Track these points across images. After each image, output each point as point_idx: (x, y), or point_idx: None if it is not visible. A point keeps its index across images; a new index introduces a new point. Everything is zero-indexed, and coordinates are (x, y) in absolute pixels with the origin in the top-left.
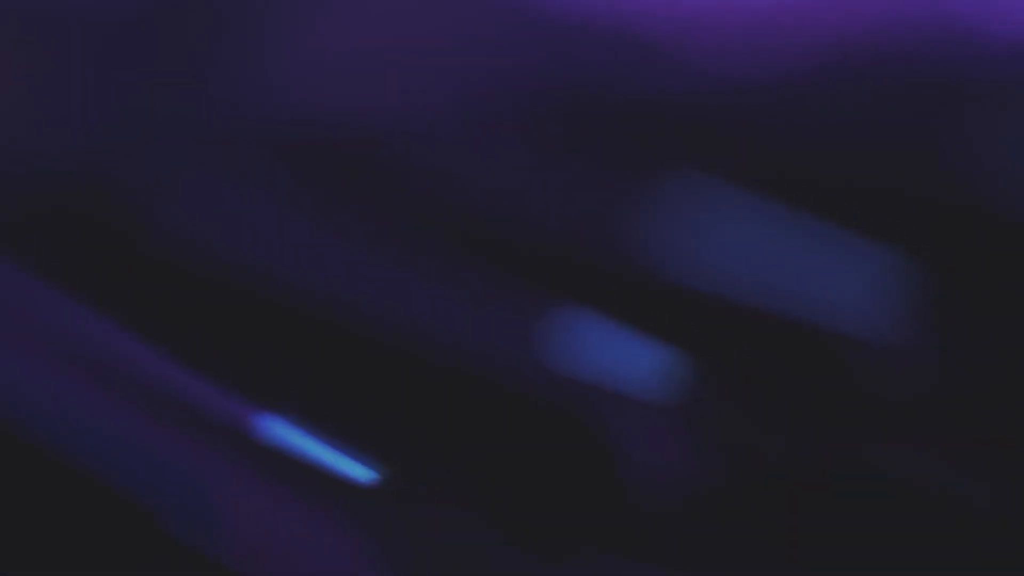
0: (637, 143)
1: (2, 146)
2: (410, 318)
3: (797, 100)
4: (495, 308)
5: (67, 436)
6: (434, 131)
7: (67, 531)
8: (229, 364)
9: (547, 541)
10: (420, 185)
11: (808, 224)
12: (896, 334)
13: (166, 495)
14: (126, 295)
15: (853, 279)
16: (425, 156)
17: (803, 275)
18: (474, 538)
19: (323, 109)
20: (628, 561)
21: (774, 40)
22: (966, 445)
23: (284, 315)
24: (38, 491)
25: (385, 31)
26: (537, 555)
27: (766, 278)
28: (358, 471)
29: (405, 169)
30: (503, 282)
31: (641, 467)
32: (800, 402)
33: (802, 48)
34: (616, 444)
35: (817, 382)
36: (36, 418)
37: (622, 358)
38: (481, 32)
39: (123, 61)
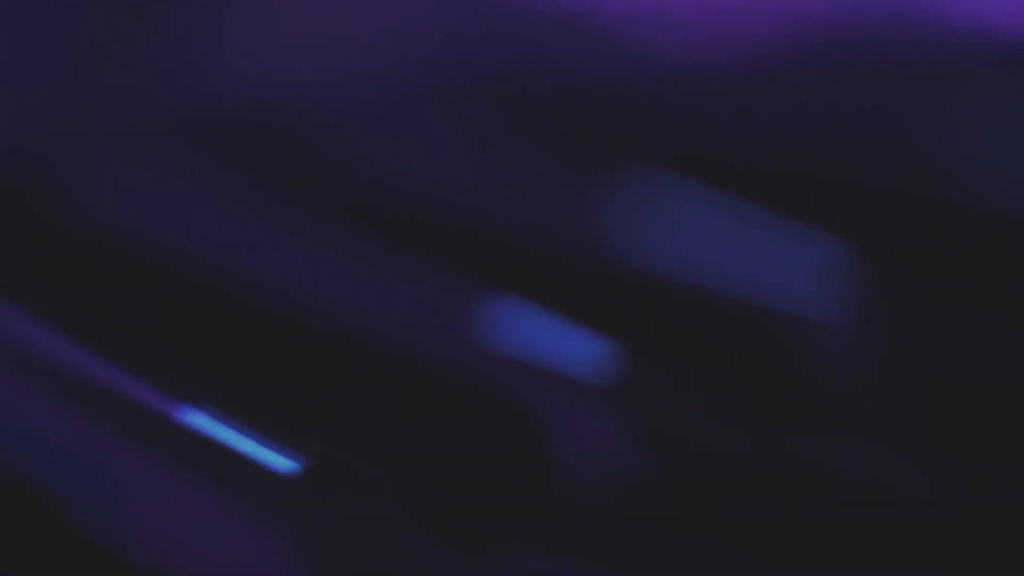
0: (582, 128)
1: None
2: (337, 304)
3: (751, 87)
4: (426, 293)
5: None
6: (376, 115)
7: None
8: (147, 352)
9: (475, 532)
10: (354, 167)
11: (755, 211)
12: (842, 323)
13: (78, 487)
14: (40, 281)
15: (801, 268)
16: (365, 139)
17: (750, 263)
18: (400, 528)
19: (259, 89)
20: (558, 552)
21: (729, 27)
22: (911, 436)
23: (204, 301)
24: None
25: (328, 9)
26: (465, 547)
27: (712, 266)
28: (278, 461)
29: (341, 151)
30: (435, 267)
31: (574, 456)
32: (740, 391)
33: (758, 36)
34: (549, 432)
35: (758, 371)
36: None
37: (556, 344)
38: (430, 13)
39: (52, 40)
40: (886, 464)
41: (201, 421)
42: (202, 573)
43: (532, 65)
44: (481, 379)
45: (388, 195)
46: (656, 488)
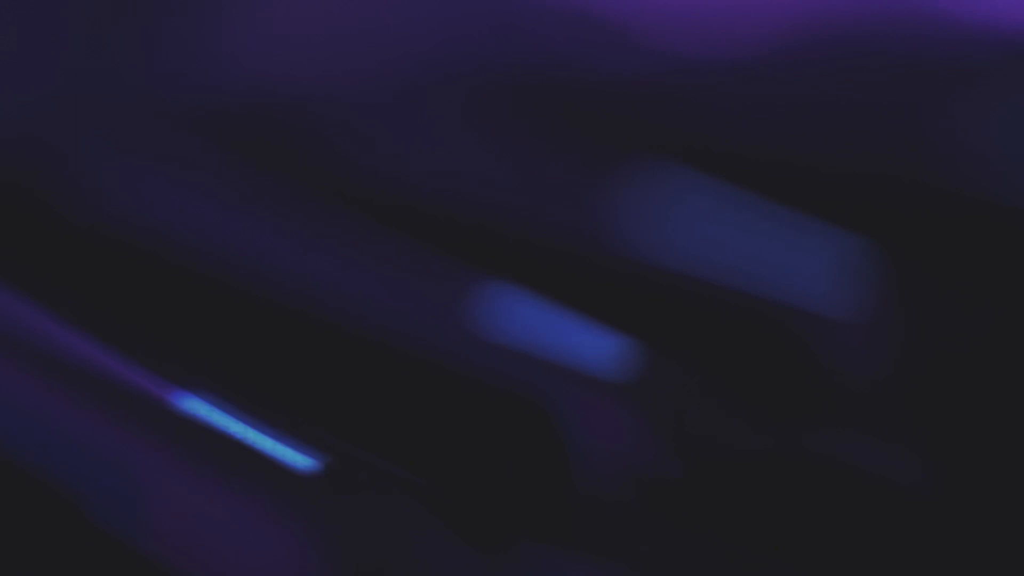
0: (592, 123)
1: None
2: (358, 301)
3: (759, 82)
4: (444, 290)
5: None
6: (381, 109)
7: None
8: (165, 348)
9: (495, 531)
10: (363, 162)
11: (767, 207)
12: (858, 320)
13: (95, 484)
14: (51, 274)
15: (814, 263)
16: (371, 133)
17: (763, 259)
18: (419, 525)
19: (263, 82)
20: (575, 548)
21: (739, 22)
22: (925, 433)
23: (223, 297)
24: None
25: (332, 4)
26: (483, 543)
27: (725, 261)
28: (298, 458)
29: (348, 145)
30: (451, 263)
31: (591, 453)
32: (755, 387)
33: (765, 29)
34: (568, 430)
35: (773, 367)
36: None
37: (576, 342)
38: (434, 8)
39: (54, 33)
40: (900, 461)
41: (218, 418)
42: (220, 570)
43: (539, 60)
44: (499, 376)
45: (401, 191)
46: (672, 484)
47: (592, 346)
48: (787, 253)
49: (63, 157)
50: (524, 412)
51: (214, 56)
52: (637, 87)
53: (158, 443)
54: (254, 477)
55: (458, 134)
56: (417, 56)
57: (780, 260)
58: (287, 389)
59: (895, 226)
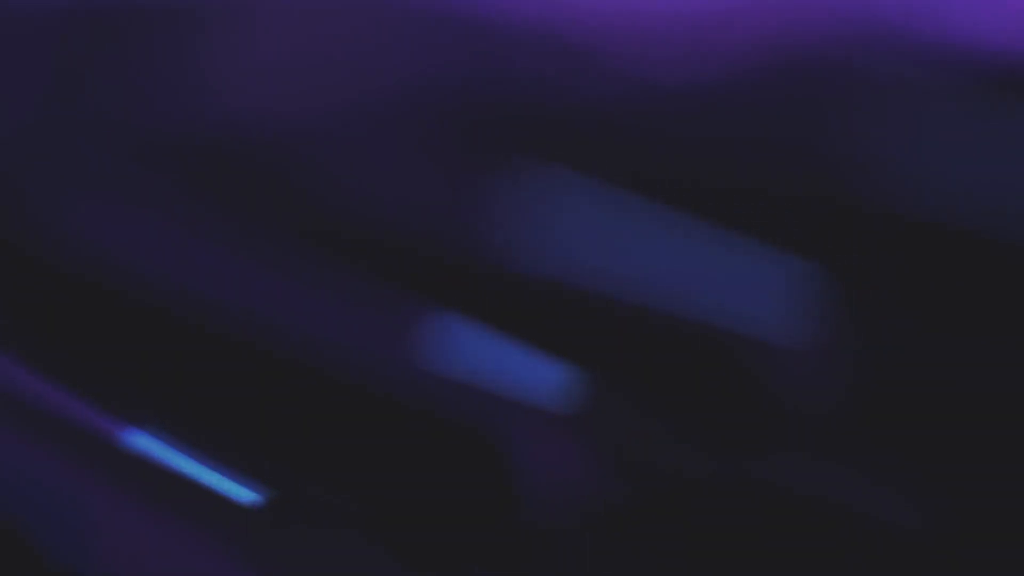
0: (553, 149)
1: None
2: (306, 334)
3: (723, 107)
4: (392, 322)
5: None
6: (349, 141)
7: None
8: (112, 383)
9: (441, 562)
10: (328, 195)
11: (719, 232)
12: (804, 344)
13: (42, 518)
14: (7, 311)
15: (762, 289)
16: (338, 166)
17: (711, 284)
18: (365, 558)
19: (234, 117)
20: None
21: (703, 46)
22: (875, 456)
23: (172, 331)
24: None
25: (300, 38)
26: (431, 575)
27: (672, 287)
28: (242, 492)
29: (316, 178)
30: (401, 294)
31: (537, 482)
32: (704, 415)
33: (731, 56)
34: (512, 459)
35: (722, 394)
36: None
37: (519, 370)
38: (402, 40)
39: (27, 69)
40: (850, 486)
41: (164, 453)
42: None
43: (506, 88)
44: (444, 407)
45: (360, 223)
46: (621, 513)
47: (538, 375)
48: (735, 279)
49: (36, 197)
50: (470, 442)
51: (188, 94)
52: (601, 113)
53: (104, 477)
54: (200, 511)
55: (425, 165)
56: (386, 88)
57: (728, 286)
58: (232, 423)
59: (845, 251)
